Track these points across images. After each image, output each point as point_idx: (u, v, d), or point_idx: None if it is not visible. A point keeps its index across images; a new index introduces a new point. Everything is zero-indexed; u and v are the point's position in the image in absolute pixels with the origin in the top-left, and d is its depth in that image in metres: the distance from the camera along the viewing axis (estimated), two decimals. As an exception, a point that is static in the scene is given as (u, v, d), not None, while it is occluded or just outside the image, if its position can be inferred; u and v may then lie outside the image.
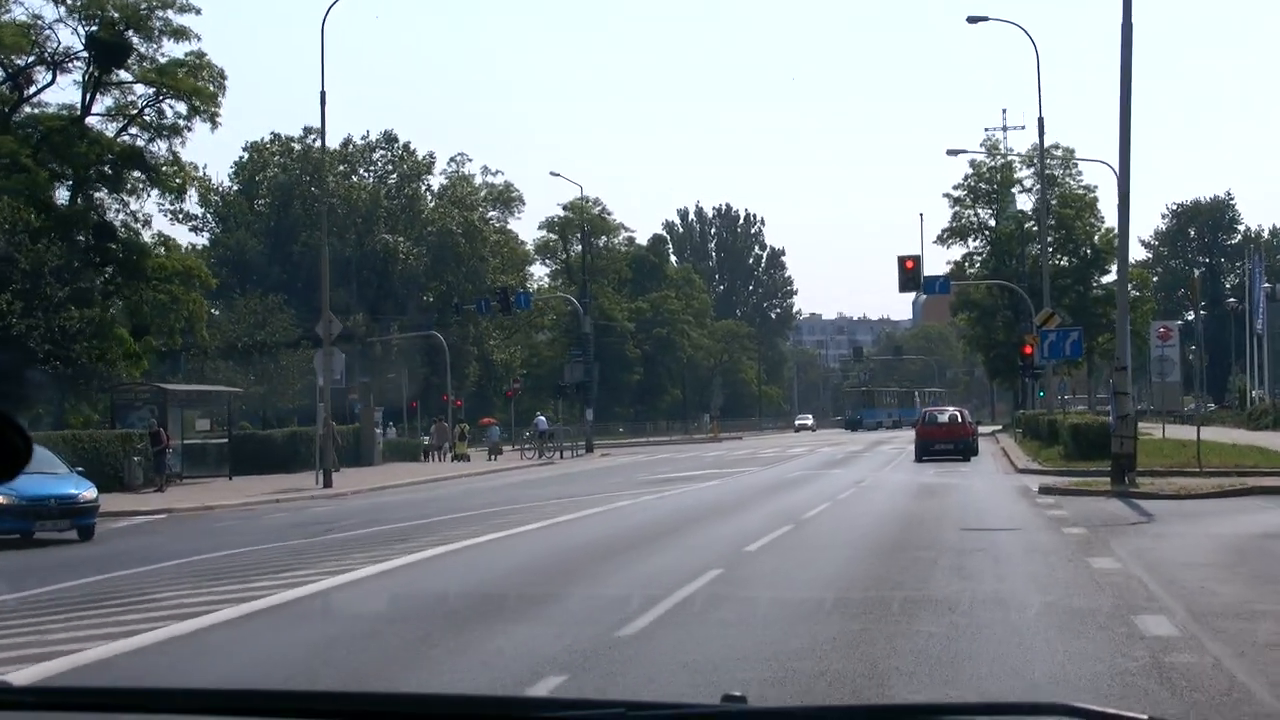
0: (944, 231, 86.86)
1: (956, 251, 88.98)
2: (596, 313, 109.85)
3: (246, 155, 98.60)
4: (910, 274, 61.21)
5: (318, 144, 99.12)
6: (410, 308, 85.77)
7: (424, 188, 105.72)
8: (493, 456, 64.71)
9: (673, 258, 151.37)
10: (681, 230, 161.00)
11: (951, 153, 64.85)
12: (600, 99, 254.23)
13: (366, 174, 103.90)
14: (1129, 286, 68.33)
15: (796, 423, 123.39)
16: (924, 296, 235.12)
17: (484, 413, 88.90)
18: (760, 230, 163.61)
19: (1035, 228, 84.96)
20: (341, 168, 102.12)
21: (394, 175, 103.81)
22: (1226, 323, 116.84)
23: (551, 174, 64.45)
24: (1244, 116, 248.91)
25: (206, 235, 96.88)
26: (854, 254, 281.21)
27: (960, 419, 48.56)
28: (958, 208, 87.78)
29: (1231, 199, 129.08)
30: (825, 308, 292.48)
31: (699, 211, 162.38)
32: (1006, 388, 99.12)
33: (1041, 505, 25.29)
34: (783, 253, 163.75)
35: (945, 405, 57.04)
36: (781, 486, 34.56)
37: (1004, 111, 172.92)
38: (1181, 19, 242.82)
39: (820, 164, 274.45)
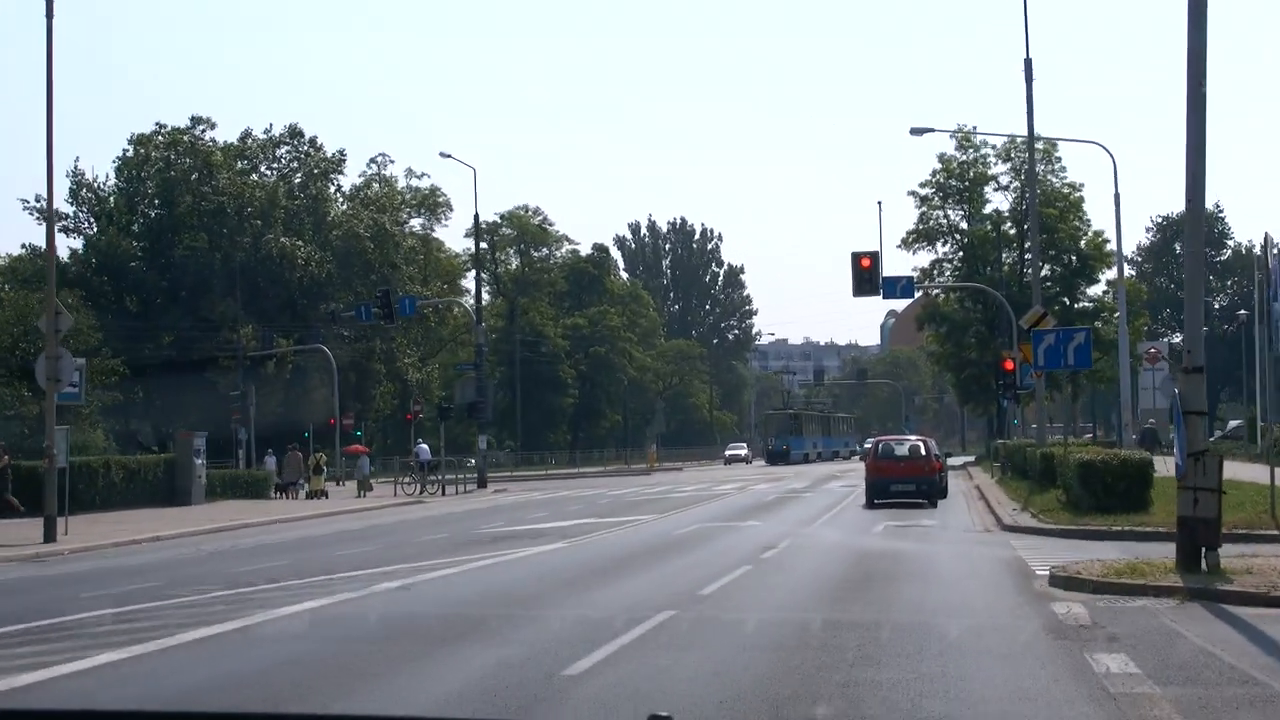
0: (909, 234, 75.36)
1: (924, 258, 77.46)
2: (526, 329, 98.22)
3: (131, 149, 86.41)
4: (867, 274, 49.93)
5: (208, 136, 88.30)
6: (312, 320, 73.76)
7: (334, 188, 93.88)
8: (362, 492, 52.80)
9: (624, 274, 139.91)
10: (633, 245, 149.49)
11: (916, 131, 53.10)
12: (545, 106, 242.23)
13: (269, 171, 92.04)
14: (1122, 295, 56.38)
15: (727, 453, 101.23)
16: (892, 320, 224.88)
17: (400, 440, 76.58)
18: (718, 246, 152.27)
19: (1013, 230, 73.51)
20: (241, 164, 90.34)
21: (299, 174, 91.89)
22: (1216, 346, 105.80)
23: (441, 155, 53.97)
24: (1235, 126, 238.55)
25: (81, 238, 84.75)
26: (822, 278, 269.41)
27: (924, 451, 36.74)
28: (925, 207, 76.25)
29: (1221, 212, 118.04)
30: (791, 332, 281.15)
31: (652, 225, 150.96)
32: (979, 414, 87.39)
33: (1069, 625, 13.31)
34: (741, 270, 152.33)
35: (905, 435, 44.88)
36: (649, 554, 22.66)
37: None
38: (1163, 19, 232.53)
39: (785, 182, 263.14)
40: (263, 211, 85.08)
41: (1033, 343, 31.32)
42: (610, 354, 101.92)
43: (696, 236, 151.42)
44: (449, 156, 56.89)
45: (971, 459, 76.45)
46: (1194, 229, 17.18)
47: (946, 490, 40.20)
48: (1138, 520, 24.57)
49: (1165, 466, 28.81)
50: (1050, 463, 32.77)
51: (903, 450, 37.17)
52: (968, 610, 14.69)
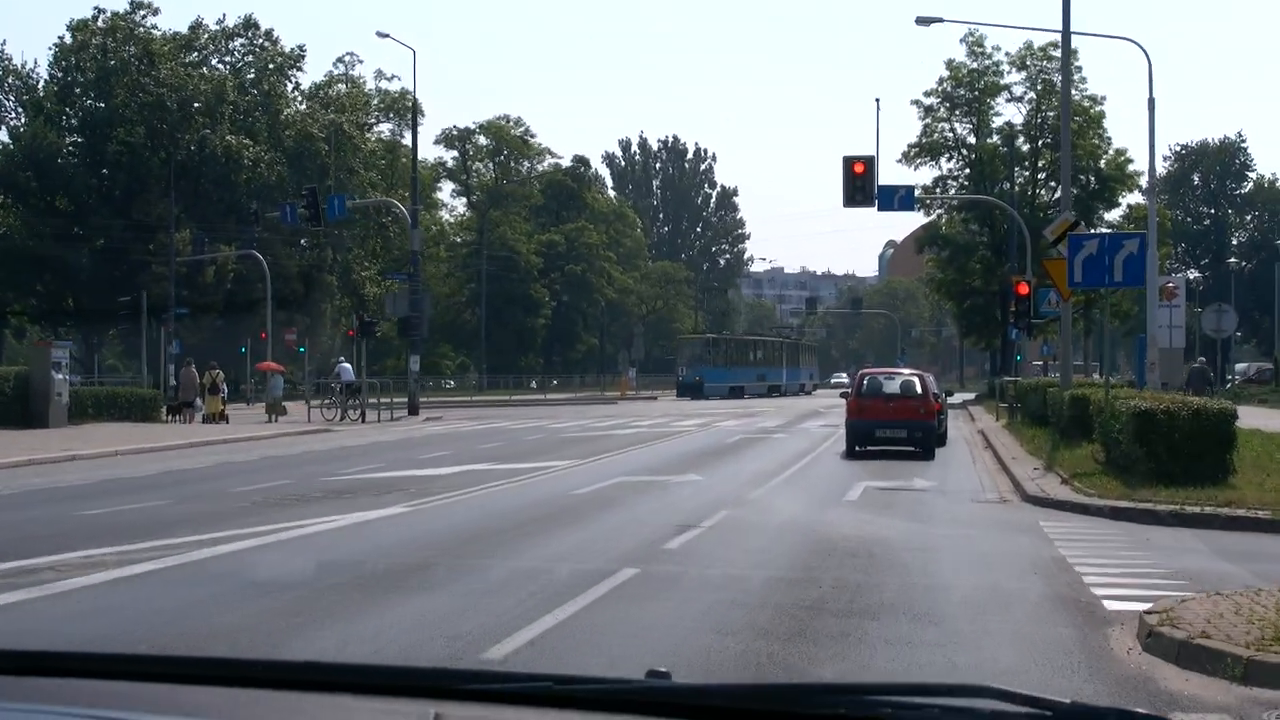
0: (911, 148, 67.45)
1: (926, 175, 69.60)
2: (497, 244, 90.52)
3: (69, 36, 78.14)
4: (860, 181, 42.58)
5: (150, 22, 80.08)
6: (260, 226, 65.92)
7: (291, 86, 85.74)
8: (272, 416, 45.34)
9: (611, 193, 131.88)
10: (622, 163, 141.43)
11: (922, 21, 45.08)
12: (534, 17, 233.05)
13: (222, 66, 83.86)
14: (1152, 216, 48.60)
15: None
16: (890, 251, 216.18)
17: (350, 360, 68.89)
18: (711, 167, 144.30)
19: (1026, 145, 65.54)
20: (192, 57, 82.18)
21: (252, 69, 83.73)
22: (1227, 283, 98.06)
23: (379, 35, 47.22)
24: (1259, 51, 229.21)
25: (3, 128, 76.78)
26: (820, 207, 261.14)
27: (919, 389, 29.04)
28: (929, 119, 68.22)
29: (1243, 142, 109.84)
30: (788, 261, 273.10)
31: (643, 143, 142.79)
32: (981, 348, 79.76)
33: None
34: (735, 192, 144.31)
35: (897, 368, 36.49)
36: (495, 536, 14.85)
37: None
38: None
39: (784, 102, 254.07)
40: (209, 107, 77.02)
41: (1069, 251, 23.66)
42: (588, 273, 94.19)
43: (689, 156, 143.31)
44: (386, 36, 48.58)
45: (971, 397, 68.77)
46: None
47: (945, 436, 32.75)
48: (1219, 496, 17.08)
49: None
50: (1083, 409, 25.18)
51: (893, 387, 29.58)
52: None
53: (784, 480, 22.66)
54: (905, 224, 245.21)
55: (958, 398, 66.71)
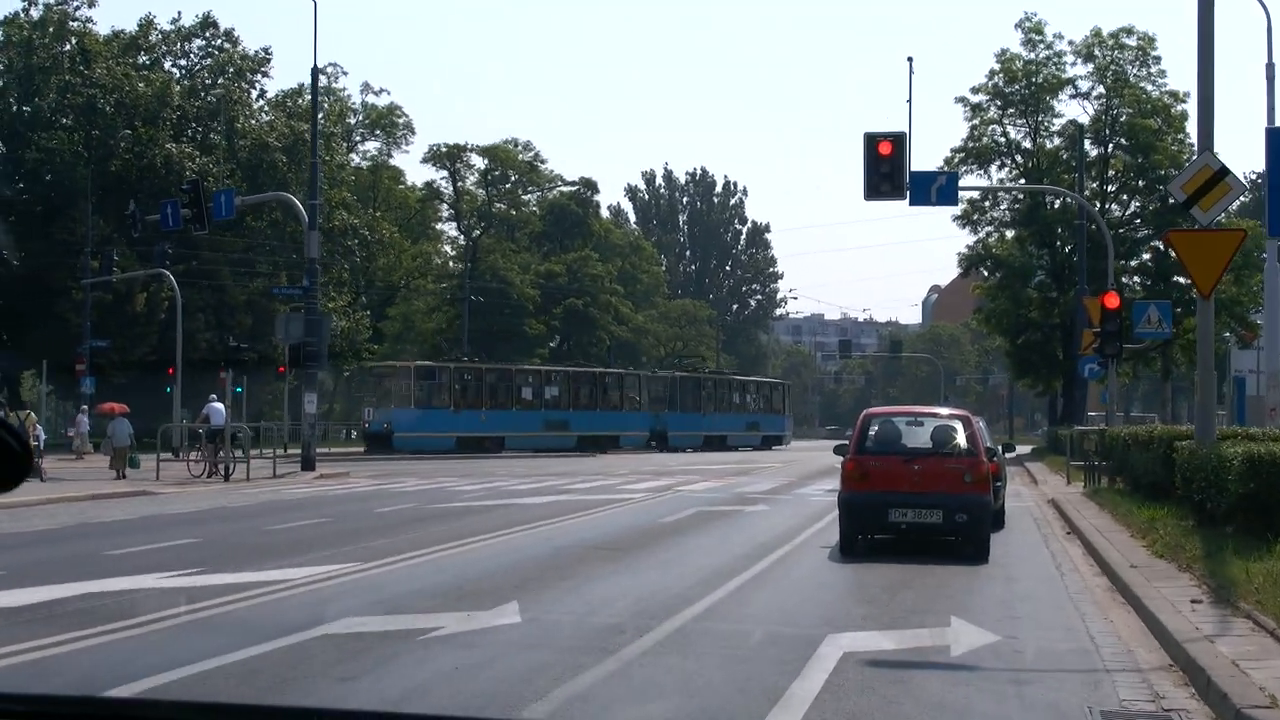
0: (956, 152, 55.53)
1: (974, 185, 57.58)
2: (487, 274, 79.09)
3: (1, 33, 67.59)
4: (886, 166, 30.87)
5: (85, 14, 69.38)
6: (139, 230, 54.65)
7: (255, 93, 74.82)
8: (118, 470, 33.93)
9: (635, 227, 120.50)
10: (646, 196, 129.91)
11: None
12: (558, 44, 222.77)
13: (176, 70, 73.14)
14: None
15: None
16: (934, 296, 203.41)
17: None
18: (741, 202, 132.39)
19: (1094, 150, 53.51)
20: (143, 58, 71.49)
21: (207, 73, 72.91)
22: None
23: None
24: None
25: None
26: (863, 253, 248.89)
27: (962, 440, 16.87)
28: (976, 119, 56.33)
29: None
30: (829, 308, 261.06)
31: (668, 175, 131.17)
32: (1038, 392, 67.41)
33: None
34: (766, 229, 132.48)
35: (927, 408, 23.12)
36: None
37: None
38: None
39: (816, 145, 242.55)
40: (151, 113, 66.17)
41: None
42: (591, 308, 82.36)
43: (718, 190, 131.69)
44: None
45: (1028, 450, 56.32)
46: None
47: (1004, 513, 20.84)
48: None
49: None
50: (1273, 481, 13.14)
51: (920, 437, 17.61)
52: None
53: (675, 631, 10.68)
54: (953, 268, 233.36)
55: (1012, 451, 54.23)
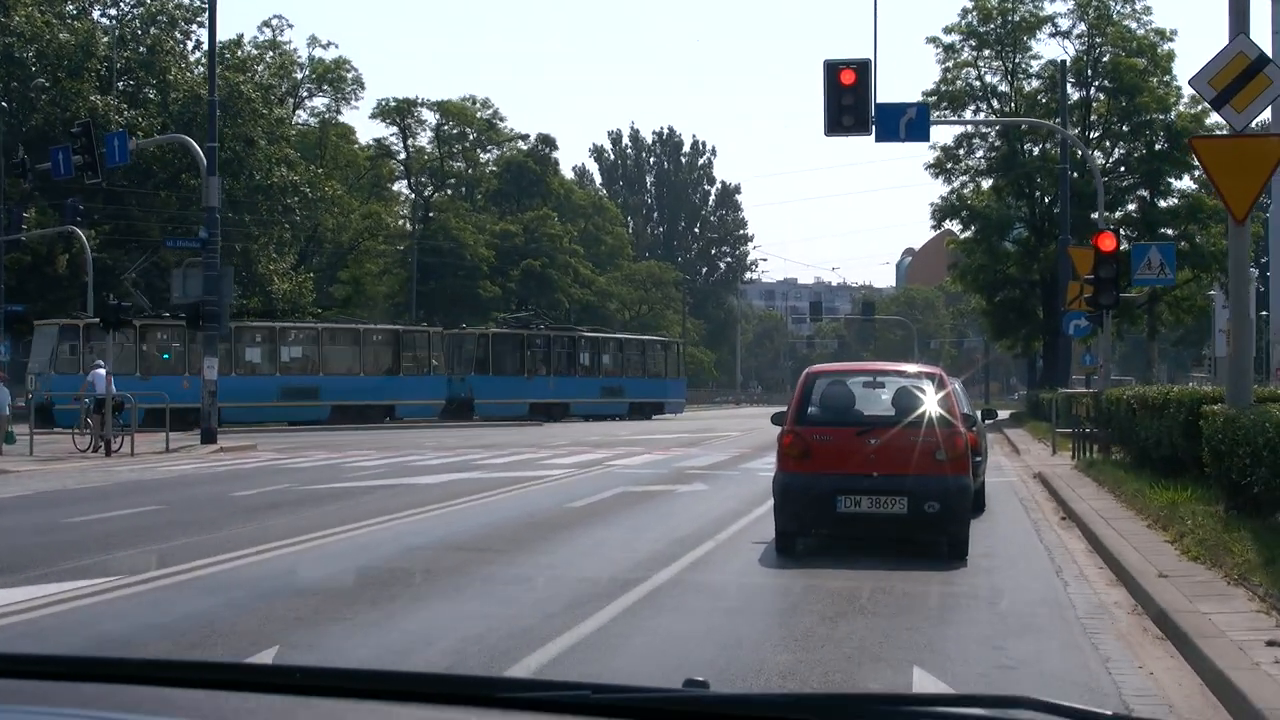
0: (927, 97, 51.36)
1: (946, 133, 53.83)
2: (439, 234, 74.94)
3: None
4: (849, 95, 27.04)
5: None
6: (29, 181, 50.57)
7: (191, 44, 70.27)
8: (-13, 444, 29.95)
9: (601, 190, 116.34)
10: (612, 157, 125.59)
11: None
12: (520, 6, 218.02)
13: (107, 19, 68.65)
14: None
15: None
16: (909, 259, 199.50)
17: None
18: (710, 162, 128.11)
19: (1076, 93, 49.60)
20: (70, 7, 66.95)
21: (137, 22, 68.45)
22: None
23: None
24: None
25: None
26: (839, 217, 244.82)
27: (933, 409, 12.78)
28: (949, 60, 52.34)
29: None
30: (801, 273, 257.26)
31: (634, 135, 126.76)
32: (1017, 354, 63.62)
33: None
34: (737, 190, 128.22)
35: (888, 365, 18.59)
36: None
37: None
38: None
39: (789, 107, 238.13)
40: (75, 63, 61.72)
41: None
42: (549, 269, 78.28)
43: (686, 150, 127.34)
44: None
45: (1005, 416, 52.35)
46: None
47: (984, 497, 17.06)
48: None
49: None
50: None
51: (880, 401, 13.74)
52: None
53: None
54: (926, 227, 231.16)
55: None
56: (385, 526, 14.97)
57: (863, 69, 26.78)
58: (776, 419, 13.49)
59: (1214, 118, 48.88)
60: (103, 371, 31.30)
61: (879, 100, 27.42)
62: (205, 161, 33.52)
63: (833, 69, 26.56)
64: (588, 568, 11.80)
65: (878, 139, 27.90)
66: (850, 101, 26.78)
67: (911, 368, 15.13)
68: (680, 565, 11.94)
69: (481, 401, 54.88)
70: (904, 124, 28.75)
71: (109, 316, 31.05)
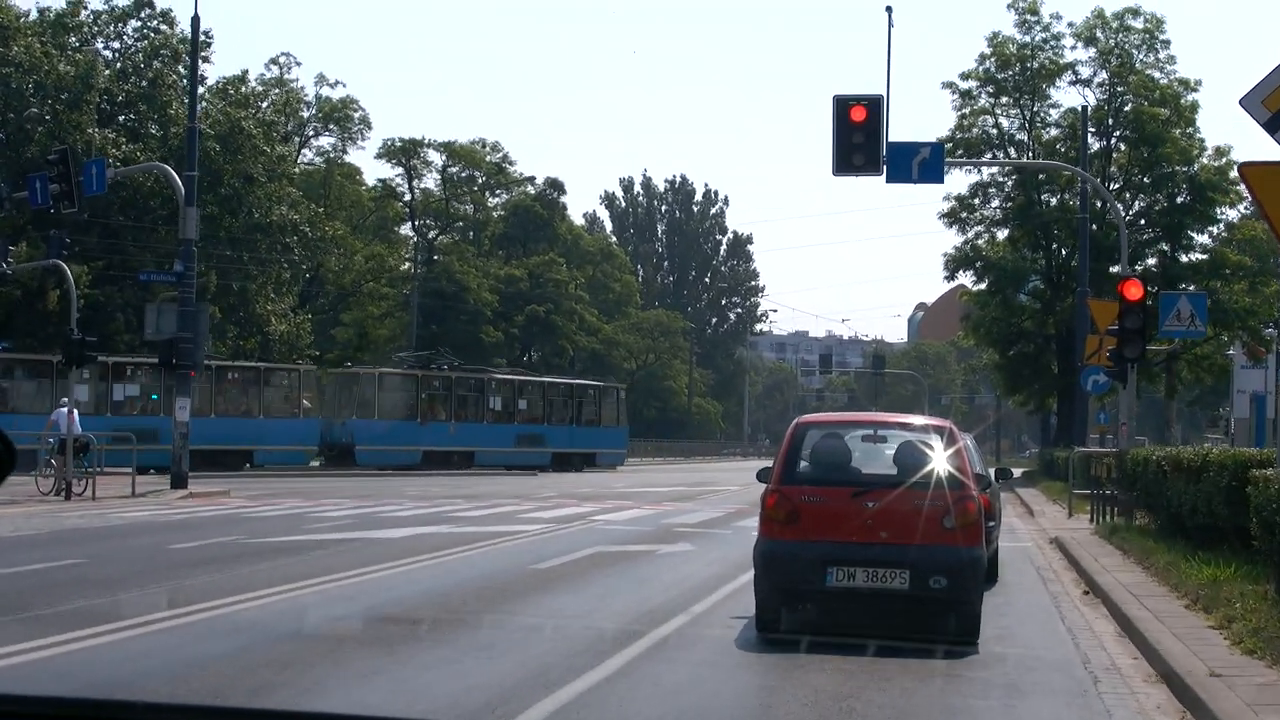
0: (943, 144, 49.54)
1: (961, 181, 52.22)
2: (442, 278, 73.39)
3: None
4: (859, 133, 25.31)
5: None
6: (5, 210, 49.09)
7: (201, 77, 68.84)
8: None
9: (611, 238, 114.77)
10: (623, 204, 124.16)
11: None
12: (533, 49, 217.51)
13: (110, 53, 67.40)
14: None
15: None
16: (920, 314, 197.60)
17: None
18: (722, 211, 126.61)
19: (1097, 142, 47.91)
20: (73, 39, 65.78)
21: (140, 56, 67.17)
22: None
23: None
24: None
25: None
26: (850, 266, 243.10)
27: (935, 462, 10.99)
28: (966, 108, 50.72)
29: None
30: (813, 326, 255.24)
31: (646, 182, 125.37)
32: (1031, 410, 61.69)
33: None
34: (749, 240, 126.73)
35: (886, 415, 16.59)
36: None
37: None
38: None
39: (801, 165, 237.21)
40: (75, 95, 60.43)
41: None
42: (553, 315, 76.58)
43: (698, 198, 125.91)
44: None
45: (1018, 474, 50.29)
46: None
47: (997, 566, 15.18)
48: None
49: None
50: None
51: (881, 457, 11.97)
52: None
53: None
54: (939, 282, 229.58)
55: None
56: (316, 590, 13.14)
57: (874, 105, 25.22)
58: (762, 475, 11.62)
59: (1236, 170, 47.24)
60: (64, 410, 29.61)
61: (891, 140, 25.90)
62: (183, 191, 31.85)
63: (843, 105, 24.99)
64: (524, 654, 9.92)
65: (889, 179, 26.27)
66: (861, 140, 25.27)
67: (918, 420, 13.23)
68: (638, 648, 10.08)
69: (363, 448, 50.60)
70: (917, 164, 27.04)
71: (72, 353, 29.29)
